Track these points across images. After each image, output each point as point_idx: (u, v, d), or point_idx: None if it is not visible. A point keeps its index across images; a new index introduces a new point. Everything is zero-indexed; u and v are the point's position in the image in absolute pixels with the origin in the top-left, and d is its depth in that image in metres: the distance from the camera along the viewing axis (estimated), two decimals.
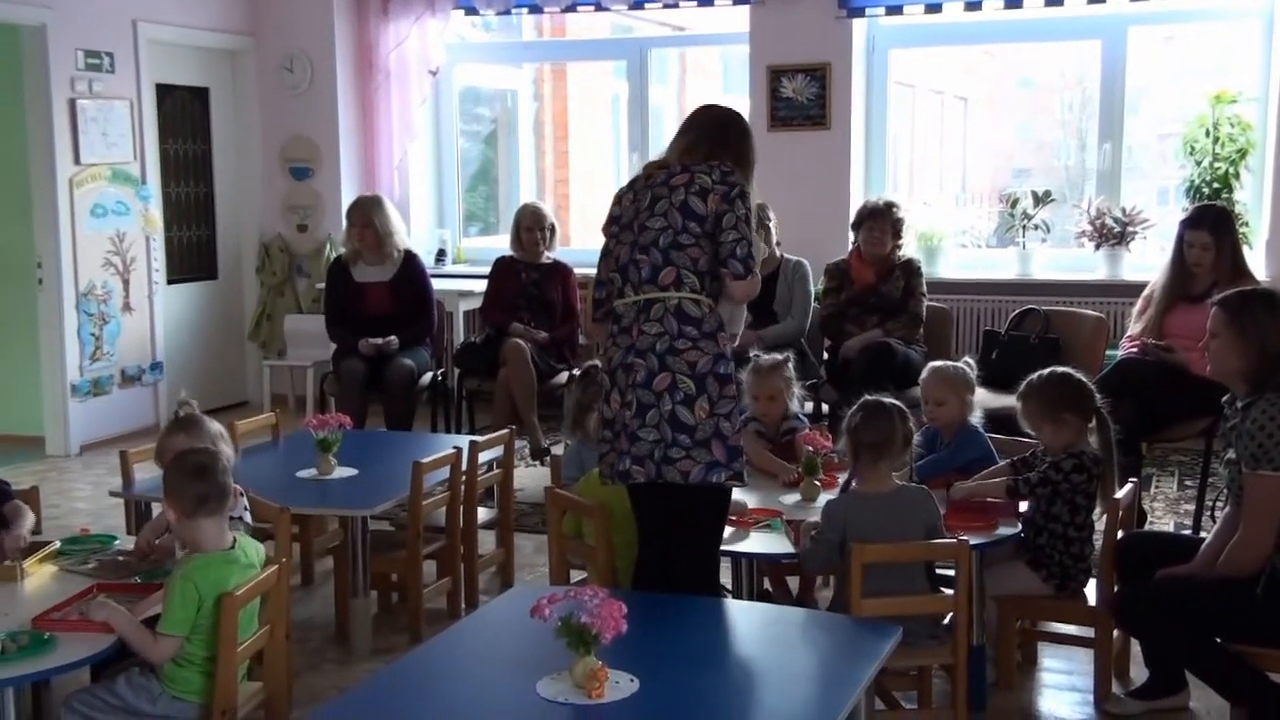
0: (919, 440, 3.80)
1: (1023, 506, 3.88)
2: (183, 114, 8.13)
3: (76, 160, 7.15)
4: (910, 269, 6.27)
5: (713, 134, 3.56)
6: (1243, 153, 6.84)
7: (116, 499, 4.50)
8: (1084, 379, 3.93)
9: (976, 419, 4.27)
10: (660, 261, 3.42)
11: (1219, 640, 3.40)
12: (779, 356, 4.59)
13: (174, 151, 8.06)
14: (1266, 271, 6.60)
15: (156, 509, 4.04)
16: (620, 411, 3.43)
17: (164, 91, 7.89)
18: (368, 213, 6.58)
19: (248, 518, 3.57)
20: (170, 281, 7.99)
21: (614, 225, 3.56)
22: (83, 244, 7.20)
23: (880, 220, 6.22)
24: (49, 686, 3.29)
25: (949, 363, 4.39)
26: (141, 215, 7.57)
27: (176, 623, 2.98)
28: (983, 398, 4.27)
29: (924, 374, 4.37)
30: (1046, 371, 3.97)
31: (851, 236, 6.36)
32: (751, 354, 4.70)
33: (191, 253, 8.29)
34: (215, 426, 3.75)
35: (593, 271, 6.84)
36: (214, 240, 8.44)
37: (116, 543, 3.70)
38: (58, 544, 3.63)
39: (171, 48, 7.87)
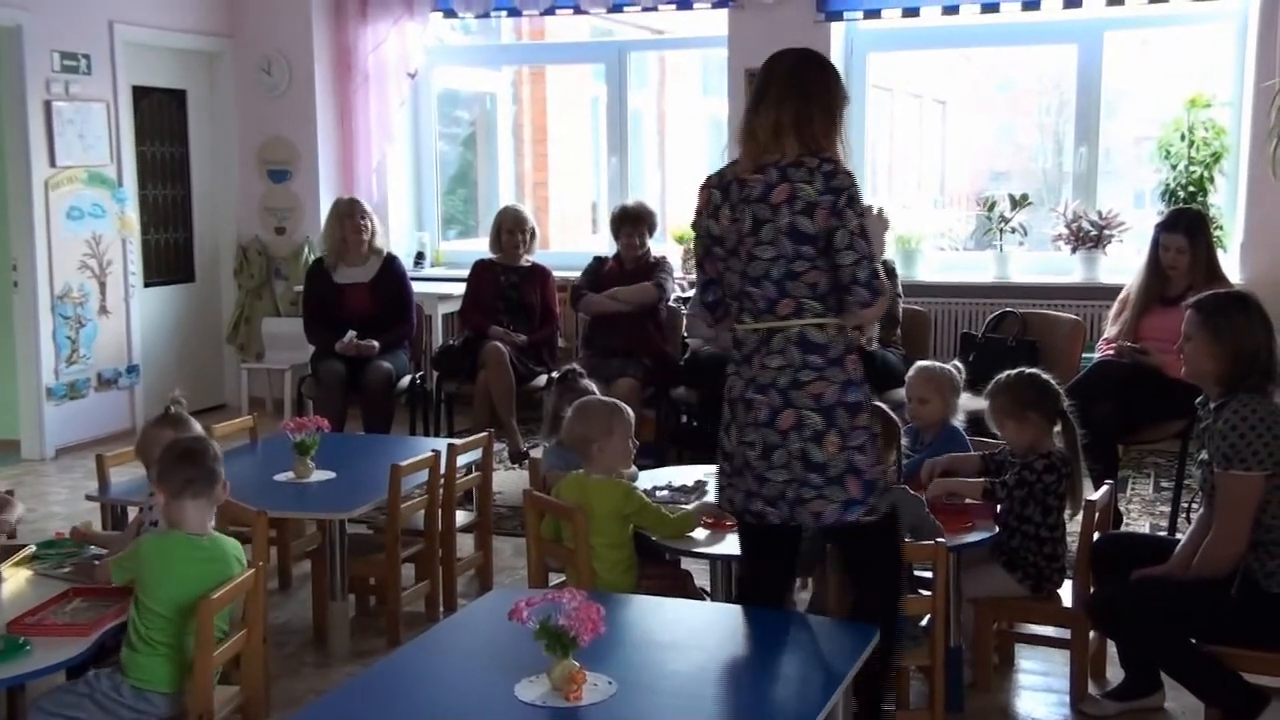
0: (905, 442, 3.82)
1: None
2: (160, 116, 8.09)
3: (52, 163, 7.11)
4: (885, 270, 6.28)
5: (794, 98, 3.14)
6: (1217, 156, 6.90)
7: (93, 503, 4.48)
8: (1051, 381, 3.97)
9: (959, 422, 4.29)
10: (775, 294, 3.13)
11: (1194, 641, 3.43)
12: None
13: (151, 154, 8.02)
14: (1240, 274, 6.65)
15: (133, 513, 4.03)
16: (739, 449, 3.22)
17: (141, 93, 7.85)
18: (363, 208, 6.64)
19: None
20: (147, 284, 7.95)
21: (716, 246, 3.24)
22: (59, 247, 7.16)
23: None
24: (24, 691, 3.27)
25: (936, 363, 4.42)
26: (118, 218, 7.53)
27: (119, 566, 3.14)
28: (962, 400, 4.30)
29: (910, 373, 4.39)
30: (1016, 371, 4.03)
31: None
32: None
33: (168, 255, 8.25)
34: (198, 428, 3.77)
35: (572, 275, 6.98)
36: (191, 243, 8.40)
37: (92, 549, 3.68)
38: (33, 548, 3.61)
39: (148, 49, 7.83)
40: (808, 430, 3.12)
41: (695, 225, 3.33)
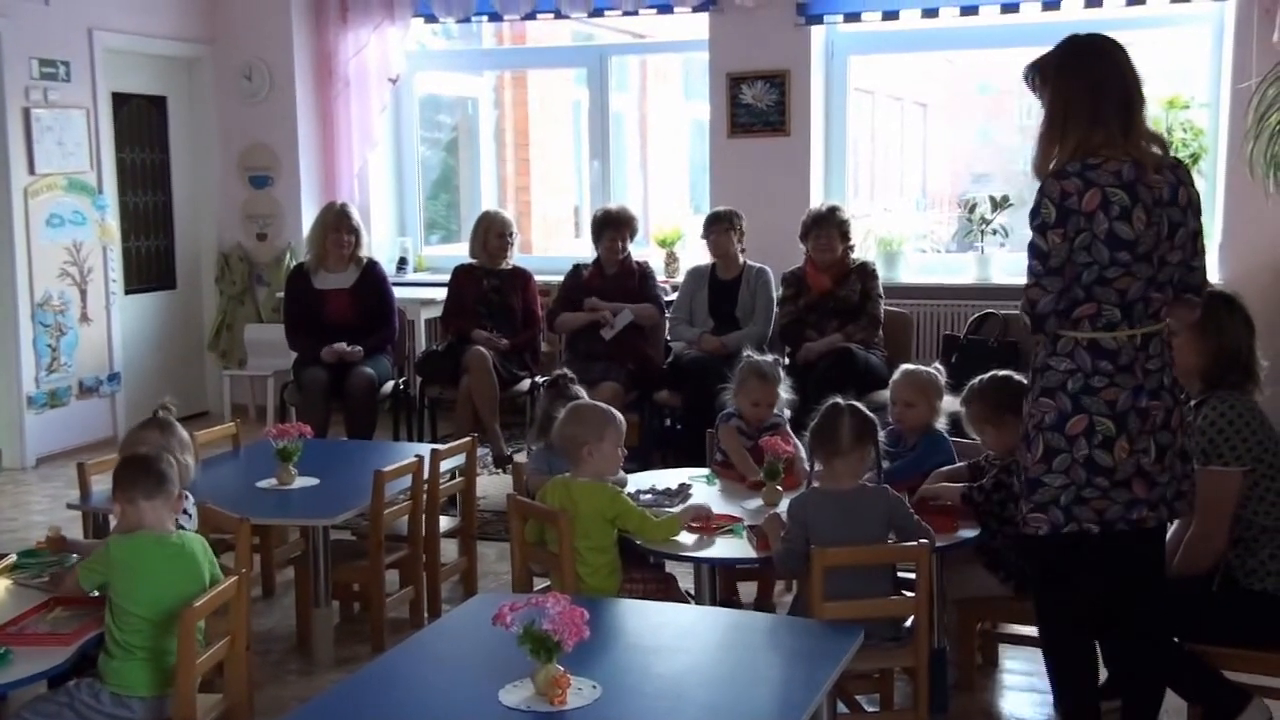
0: (883, 440, 3.81)
1: None
2: (140, 123, 8.06)
3: (31, 170, 7.08)
4: (866, 272, 6.32)
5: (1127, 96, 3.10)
6: (1195, 157, 6.93)
7: (74, 511, 4.46)
8: (1024, 380, 3.96)
9: (942, 425, 4.30)
10: (1170, 298, 3.14)
11: (1176, 639, 3.44)
12: (780, 368, 4.59)
13: (131, 160, 8.00)
14: (1219, 274, 6.68)
15: (114, 521, 4.01)
16: (1129, 459, 3.10)
17: (121, 100, 7.83)
18: (350, 221, 6.61)
19: (185, 522, 3.52)
20: (128, 291, 7.93)
21: (1123, 251, 3.03)
22: (38, 254, 7.13)
23: (826, 226, 6.28)
24: (5, 701, 3.25)
25: (921, 366, 4.42)
26: (98, 225, 7.51)
27: (87, 570, 3.12)
28: (945, 402, 4.31)
29: (895, 375, 4.39)
30: (988, 375, 4.01)
31: (802, 247, 6.40)
32: (745, 353, 4.69)
33: (150, 262, 8.22)
34: (184, 435, 3.76)
35: (555, 279, 6.97)
36: (172, 250, 8.38)
37: (74, 557, 3.66)
38: (13, 557, 3.59)
39: (128, 56, 7.81)
40: (1184, 424, 3.22)
41: (1064, 223, 3.04)
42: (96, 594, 3.31)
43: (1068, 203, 3.04)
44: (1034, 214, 3.13)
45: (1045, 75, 3.22)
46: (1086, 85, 3.12)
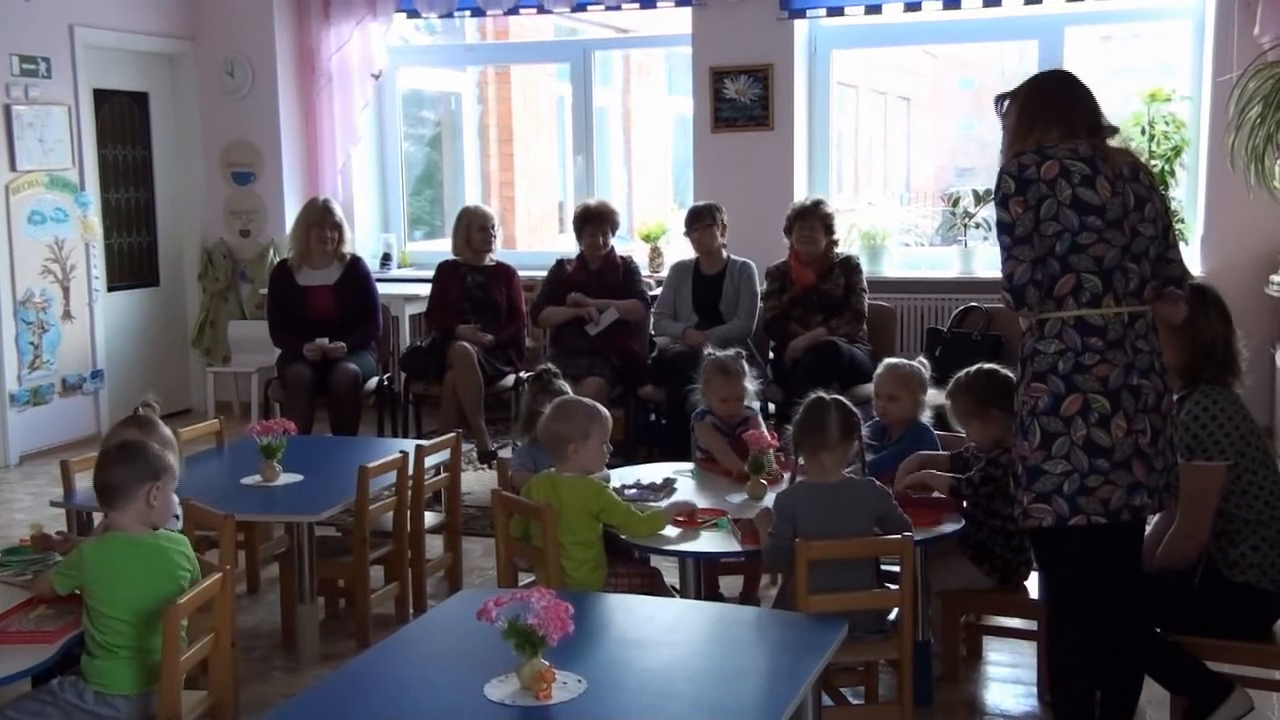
0: (866, 434, 3.83)
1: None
2: (122, 119, 8.03)
3: (13, 167, 7.04)
4: (850, 266, 6.33)
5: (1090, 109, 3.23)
6: (1177, 150, 6.96)
7: (57, 509, 4.44)
8: (1009, 374, 3.98)
9: (926, 418, 4.31)
10: (1148, 274, 3.15)
11: (1159, 631, 3.46)
12: (744, 360, 4.59)
13: (113, 157, 7.96)
14: (1201, 267, 6.72)
15: (98, 518, 4.00)
16: (1127, 439, 3.09)
17: (102, 96, 7.79)
18: (333, 217, 6.58)
19: (171, 524, 3.50)
20: (111, 289, 7.90)
21: (1093, 216, 3.07)
22: (20, 251, 7.10)
23: (810, 219, 6.29)
24: None
25: (904, 360, 4.43)
26: (80, 222, 7.47)
27: (61, 575, 3.09)
28: (929, 395, 4.32)
29: (879, 369, 4.40)
30: (973, 369, 4.02)
31: (786, 241, 6.41)
32: (707, 351, 4.71)
33: (132, 259, 8.19)
34: (166, 433, 3.73)
35: (539, 274, 6.97)
36: (155, 246, 8.34)
37: (57, 555, 3.65)
38: None
39: (109, 52, 7.77)
40: (1172, 413, 3.23)
41: (1024, 191, 3.10)
42: (79, 591, 3.31)
43: (1026, 173, 3.13)
44: (995, 191, 3.21)
45: (1018, 92, 3.32)
46: (1063, 96, 3.25)
